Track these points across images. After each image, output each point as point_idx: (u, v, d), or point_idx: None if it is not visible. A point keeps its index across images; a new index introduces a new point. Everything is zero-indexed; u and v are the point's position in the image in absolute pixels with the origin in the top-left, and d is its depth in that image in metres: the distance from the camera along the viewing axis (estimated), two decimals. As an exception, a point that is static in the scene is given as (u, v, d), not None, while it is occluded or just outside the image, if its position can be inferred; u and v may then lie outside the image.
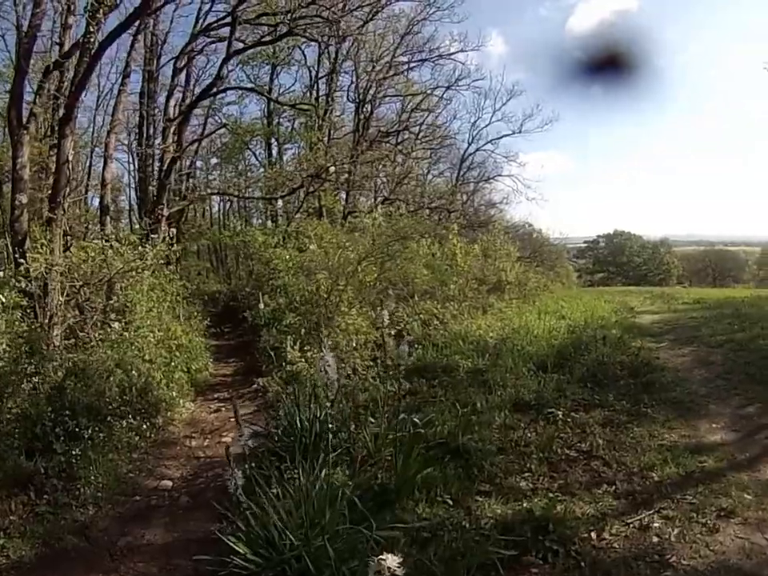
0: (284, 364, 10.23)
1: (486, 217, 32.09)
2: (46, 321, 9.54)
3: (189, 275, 22.57)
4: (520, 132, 30.72)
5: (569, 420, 7.72)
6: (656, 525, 5.20)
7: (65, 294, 10.26)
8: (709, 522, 5.17)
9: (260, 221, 28.78)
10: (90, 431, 7.67)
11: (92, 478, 6.98)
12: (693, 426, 7.57)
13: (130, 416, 8.56)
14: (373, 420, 7.38)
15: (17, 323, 8.63)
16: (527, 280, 22.12)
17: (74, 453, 7.19)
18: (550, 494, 5.80)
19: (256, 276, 18.71)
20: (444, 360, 10.63)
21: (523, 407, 8.40)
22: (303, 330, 11.31)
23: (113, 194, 26.74)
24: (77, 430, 7.56)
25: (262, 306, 13.88)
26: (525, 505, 5.64)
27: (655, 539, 4.99)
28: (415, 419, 6.90)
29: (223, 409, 10.31)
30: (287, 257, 14.57)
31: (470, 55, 29.75)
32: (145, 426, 8.60)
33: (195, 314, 15.87)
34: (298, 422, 7.08)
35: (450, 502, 5.77)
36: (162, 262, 12.84)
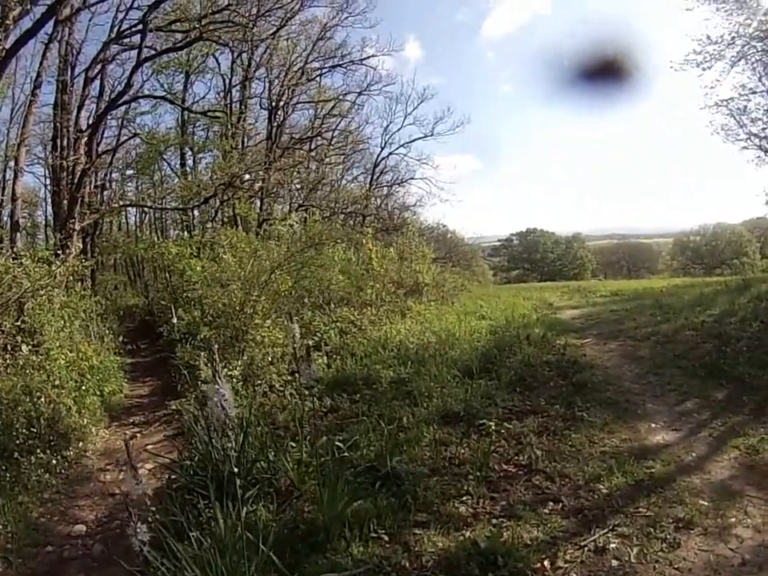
0: (199, 383, 9.37)
1: (401, 220, 31.67)
2: None
3: (105, 289, 21.93)
4: (432, 135, 30.43)
5: (502, 431, 7.19)
6: (612, 545, 4.74)
7: None
8: (668, 536, 4.77)
9: (176, 232, 27.79)
10: None
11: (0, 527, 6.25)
12: (632, 428, 7.24)
13: (39, 450, 7.79)
14: (294, 444, 6.84)
15: None
16: (444, 281, 21.79)
17: None
18: (494, 520, 5.32)
19: (172, 289, 18.03)
20: (365, 371, 10.08)
21: (452, 419, 7.83)
22: (217, 346, 10.50)
23: (28, 209, 25.70)
24: None
25: (175, 320, 13.05)
26: (468, 534, 5.12)
27: (614, 562, 4.54)
28: (338, 443, 6.46)
29: (138, 435, 9.62)
30: (200, 268, 14.04)
31: (382, 60, 29.60)
32: (55, 461, 7.83)
33: (109, 331, 14.95)
34: (212, 451, 6.44)
35: (386, 538, 5.17)
36: (74, 278, 12.04)
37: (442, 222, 38.37)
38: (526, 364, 9.84)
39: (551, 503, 5.55)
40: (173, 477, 6.65)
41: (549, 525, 5.12)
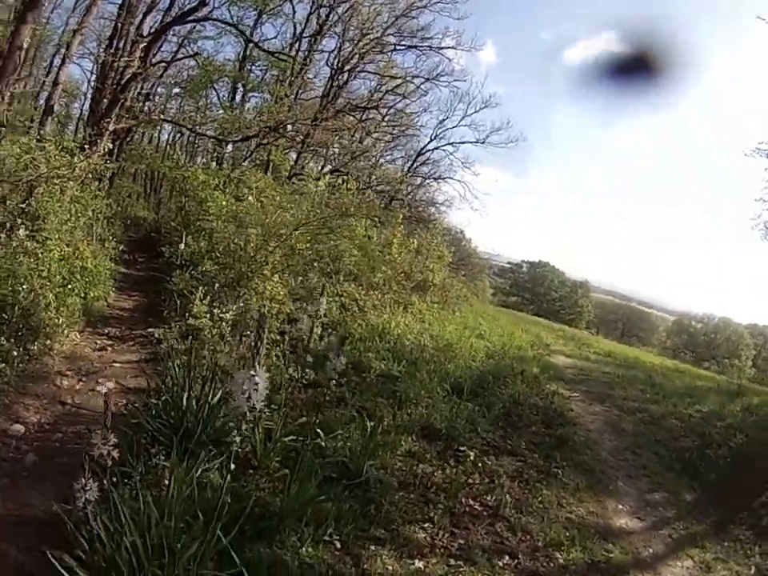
0: (187, 315, 8.98)
1: (426, 214, 31.05)
2: None
3: (119, 195, 21.35)
4: (483, 143, 29.30)
5: (479, 465, 6.84)
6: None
7: None
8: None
9: (205, 161, 27.08)
10: None
11: None
12: (601, 503, 6.98)
13: (3, 337, 7.23)
14: (268, 412, 6.18)
15: None
16: (451, 287, 21.33)
17: None
18: (449, 560, 5.00)
19: (185, 213, 17.41)
20: (357, 355, 9.69)
21: (433, 435, 7.59)
22: (217, 284, 10.15)
23: (66, 99, 25.09)
24: None
25: (182, 246, 12.82)
26: (420, 566, 4.81)
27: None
28: (318, 429, 5.98)
29: (110, 348, 9.08)
30: (223, 202, 13.38)
31: (459, 55, 28.64)
32: (16, 352, 7.25)
33: (111, 237, 14.40)
34: (185, 400, 5.86)
35: (338, 545, 4.78)
36: (92, 175, 11.79)
37: (461, 228, 38.00)
38: (515, 400, 9.65)
39: (507, 557, 5.32)
40: (132, 412, 6.05)
41: (500, 581, 4.91)
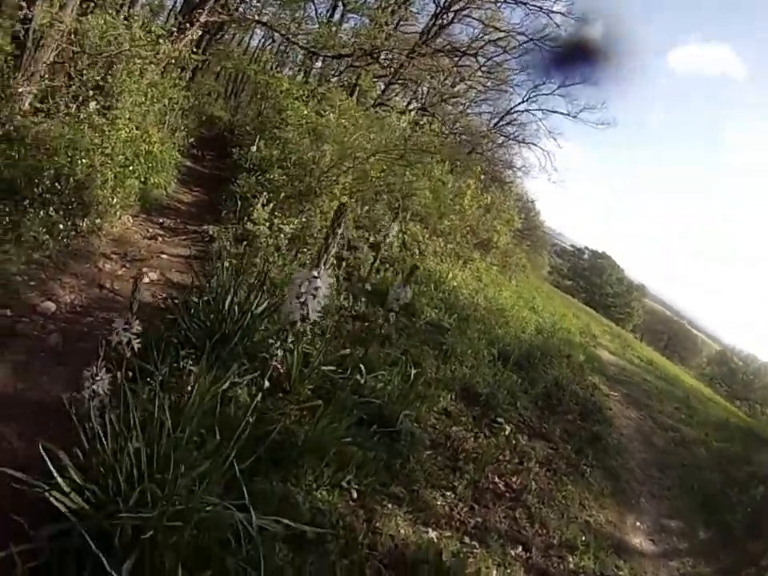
0: (246, 219, 8.65)
1: (502, 175, 30.17)
2: (25, 76, 7.74)
3: (199, 90, 20.80)
4: (575, 117, 28.11)
5: (512, 442, 6.56)
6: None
7: (58, 56, 8.52)
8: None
9: (292, 73, 26.40)
10: None
11: None
12: (621, 515, 6.62)
13: (52, 208, 6.81)
14: (309, 335, 5.79)
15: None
16: (513, 253, 20.95)
17: None
18: (464, 535, 4.70)
19: (262, 119, 16.94)
20: (410, 297, 8.94)
21: (472, 398, 7.18)
22: (283, 194, 9.72)
23: None
24: None
25: (254, 149, 12.47)
26: (433, 536, 4.45)
27: None
28: (361, 365, 5.53)
29: (160, 239, 8.64)
30: (304, 113, 12.90)
31: (566, 22, 27.42)
32: (62, 226, 6.83)
33: (183, 128, 14.04)
34: (226, 304, 5.37)
35: (355, 495, 4.37)
36: (175, 64, 11.82)
37: (533, 198, 37.06)
38: (557, 383, 9.28)
39: (521, 548, 5.04)
40: (170, 308, 5.57)
41: (509, 571, 4.64)
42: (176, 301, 5.95)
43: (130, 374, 3.37)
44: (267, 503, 3.70)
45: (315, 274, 2.98)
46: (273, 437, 3.98)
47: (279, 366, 3.07)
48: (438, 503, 4.90)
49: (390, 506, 4.51)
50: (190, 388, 4.00)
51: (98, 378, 3.01)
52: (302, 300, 2.99)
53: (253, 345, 5.20)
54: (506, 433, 6.49)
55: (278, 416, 4.71)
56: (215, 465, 3.36)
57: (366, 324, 7.61)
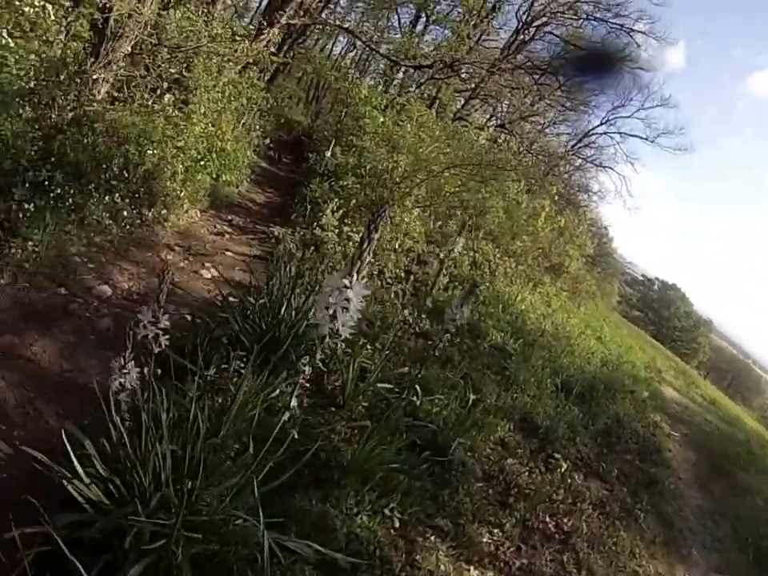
0: (315, 224, 8.47)
1: (576, 198, 29.60)
2: (101, 64, 7.54)
3: (279, 94, 21.07)
4: (652, 141, 27.89)
5: (568, 480, 6.09)
6: None
7: (136, 48, 8.37)
8: None
9: (372, 82, 26.37)
10: (60, 190, 5.83)
11: (29, 243, 5.22)
12: (671, 566, 6.06)
13: (118, 195, 6.69)
14: (369, 348, 5.55)
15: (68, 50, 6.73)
16: (584, 279, 20.50)
17: (29, 207, 5.38)
18: None
19: (341, 126, 16.73)
20: (476, 318, 8.85)
21: (530, 429, 6.78)
22: (354, 201, 9.59)
23: None
24: (46, 184, 5.69)
25: (329, 154, 12.27)
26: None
27: None
28: (417, 386, 5.20)
29: (227, 236, 8.53)
30: (381, 121, 12.73)
31: (647, 42, 26.87)
32: (126, 214, 6.73)
33: (260, 129, 13.93)
34: (283, 309, 5.08)
35: (397, 524, 4.05)
36: (255, 64, 11.94)
37: (606, 224, 36.31)
38: (618, 420, 8.79)
39: None
40: (225, 306, 5.29)
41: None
42: (233, 299, 5.69)
43: (159, 371, 3.21)
44: (302, 523, 3.45)
45: (346, 283, 2.56)
46: (316, 453, 3.75)
47: (306, 384, 2.70)
48: (484, 540, 4.53)
49: (432, 538, 4.18)
50: (234, 391, 3.72)
51: (125, 371, 2.80)
52: (331, 312, 2.60)
53: (306, 352, 4.91)
54: (562, 470, 6.10)
55: (327, 431, 4.42)
56: (250, 476, 3.05)
57: (429, 342, 7.25)
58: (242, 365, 4.28)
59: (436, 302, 8.15)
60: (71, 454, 2.82)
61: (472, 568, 4.15)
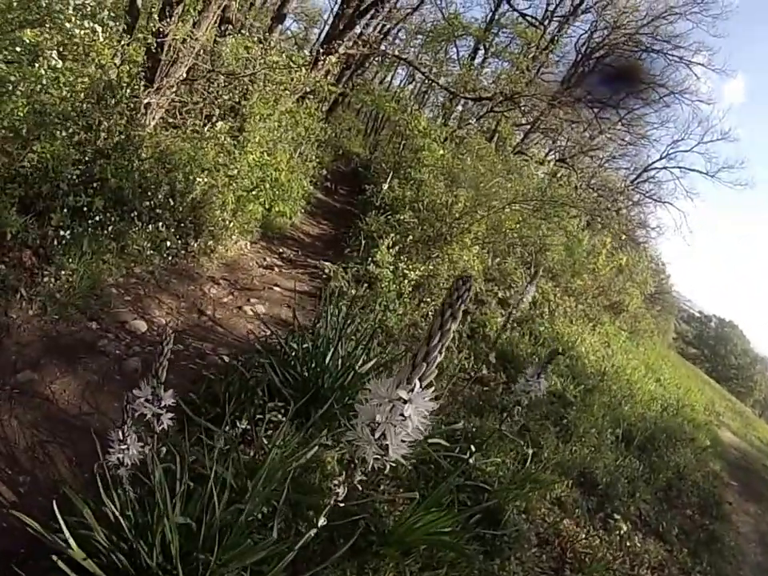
0: (369, 260, 8.04)
1: (634, 234, 28.83)
2: (156, 89, 7.33)
3: (338, 126, 21.12)
4: (713, 176, 26.66)
5: (627, 545, 5.52)
6: None
7: (191, 73, 8.24)
8: None
9: (432, 115, 26.16)
10: (100, 217, 5.54)
11: (63, 272, 4.87)
12: None
13: (163, 223, 6.35)
14: None
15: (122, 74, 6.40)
16: (642, 318, 19.66)
17: (66, 234, 5.09)
18: None
19: (398, 158, 16.36)
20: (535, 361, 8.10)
21: (589, 485, 6.22)
22: (411, 237, 9.17)
23: (306, 23, 25.24)
24: (85, 210, 5.41)
25: (386, 186, 11.93)
26: None
27: None
28: (472, 447, 4.57)
29: (276, 269, 8.13)
30: (440, 154, 12.31)
31: (706, 74, 26.36)
32: (170, 243, 6.37)
33: (317, 160, 13.56)
34: (328, 357, 4.55)
35: None
36: (313, 94, 11.92)
37: (665, 261, 35.35)
38: (679, 472, 8.17)
39: None
40: (266, 350, 4.80)
41: None
42: (276, 341, 5.21)
43: (164, 449, 2.77)
44: None
45: (402, 395, 1.71)
46: (355, 522, 3.34)
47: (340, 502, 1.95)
48: None
49: None
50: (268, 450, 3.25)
51: (124, 447, 2.32)
52: (378, 431, 1.78)
53: (352, 407, 4.39)
54: (621, 533, 5.53)
55: (368, 499, 3.87)
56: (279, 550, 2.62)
57: (485, 389, 6.75)
58: (280, 417, 3.82)
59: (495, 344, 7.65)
60: (62, 524, 2.43)
61: None
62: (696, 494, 8.00)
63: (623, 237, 19.90)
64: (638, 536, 5.90)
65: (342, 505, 1.96)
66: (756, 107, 60.27)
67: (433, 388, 1.73)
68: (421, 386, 1.73)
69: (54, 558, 2.37)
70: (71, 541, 2.43)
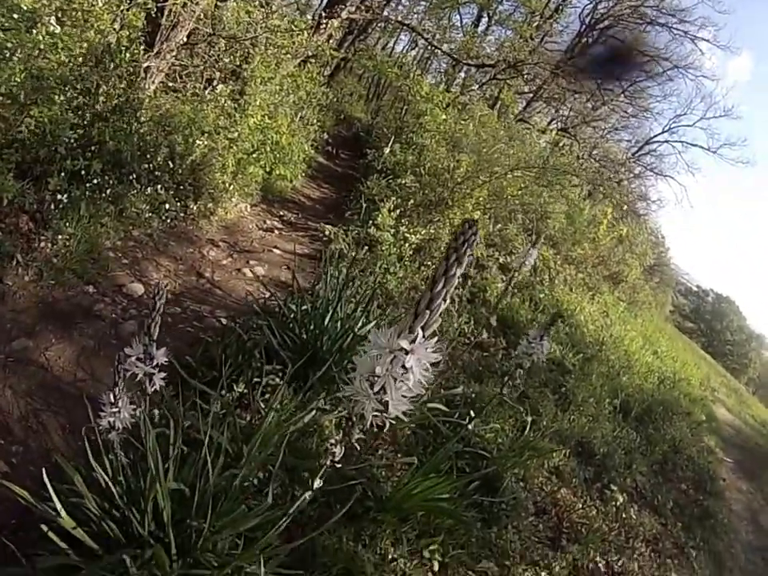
0: (370, 223, 7.98)
1: (635, 206, 28.68)
2: (155, 53, 7.23)
3: (340, 91, 20.96)
4: (714, 152, 26.50)
5: (623, 516, 5.50)
6: None
7: (190, 37, 8.07)
8: None
9: (434, 81, 25.82)
10: (98, 180, 5.42)
11: (60, 237, 4.78)
12: None
13: (161, 186, 6.23)
14: None
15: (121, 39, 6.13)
16: (641, 289, 19.73)
17: (63, 198, 4.98)
18: None
19: (400, 123, 16.17)
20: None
21: (586, 455, 6.15)
22: (412, 201, 9.10)
23: None
24: (83, 173, 5.29)
25: (387, 150, 11.86)
26: None
27: None
28: (471, 412, 4.44)
29: (276, 232, 8.03)
30: (442, 118, 12.19)
31: (711, 50, 26.11)
32: (169, 206, 6.25)
33: (318, 124, 13.43)
34: (327, 318, 4.45)
35: (436, 569, 3.45)
36: (315, 59, 11.91)
37: (663, 234, 35.20)
38: (675, 446, 8.21)
39: None
40: (265, 312, 4.69)
41: None
42: (273, 304, 5.12)
43: (156, 412, 2.72)
44: (327, 567, 3.00)
45: (404, 344, 1.56)
46: (352, 487, 3.26)
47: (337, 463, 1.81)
48: None
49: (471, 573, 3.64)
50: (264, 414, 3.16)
51: (115, 410, 2.22)
52: (379, 384, 1.63)
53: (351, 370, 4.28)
54: (617, 504, 5.53)
55: (367, 455, 3.85)
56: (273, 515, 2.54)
57: (485, 354, 6.67)
58: (278, 380, 3.72)
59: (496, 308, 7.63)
60: (51, 492, 2.34)
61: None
62: (691, 468, 8.01)
63: (625, 207, 19.80)
64: (633, 508, 5.89)
65: (338, 466, 1.85)
66: (759, 85, 59.83)
67: (436, 338, 1.58)
68: (424, 336, 1.58)
69: (43, 527, 2.30)
70: (61, 510, 2.35)
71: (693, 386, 13.82)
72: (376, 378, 1.62)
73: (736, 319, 59.36)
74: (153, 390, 2.24)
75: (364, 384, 1.65)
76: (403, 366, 1.58)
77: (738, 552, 7.00)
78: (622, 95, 24.07)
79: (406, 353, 1.56)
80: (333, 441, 1.87)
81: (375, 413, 1.68)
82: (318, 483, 1.89)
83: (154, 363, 2.17)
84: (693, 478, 7.76)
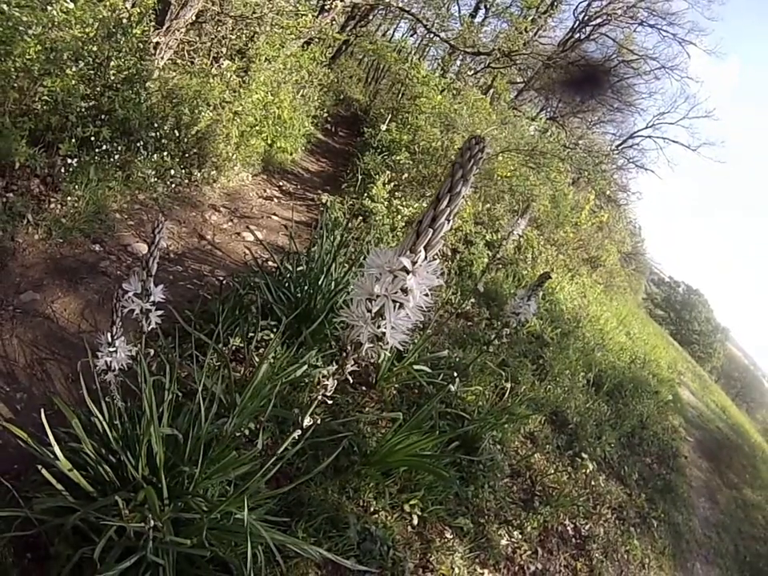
0: (365, 195, 7.93)
1: (616, 196, 28.81)
2: (165, 30, 7.25)
3: (341, 72, 20.83)
4: (694, 150, 27.10)
5: (592, 483, 5.71)
6: None
7: (199, 16, 8.08)
8: None
9: (431, 68, 25.70)
10: (107, 146, 5.39)
11: (69, 198, 4.77)
12: None
13: (168, 153, 6.19)
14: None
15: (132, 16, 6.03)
16: (617, 274, 19.85)
17: (73, 162, 4.95)
18: None
19: (396, 104, 16.26)
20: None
21: (560, 424, 6.30)
22: (406, 175, 9.12)
23: None
24: (92, 140, 5.25)
25: (384, 127, 11.63)
26: None
27: None
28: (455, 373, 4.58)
29: (275, 200, 8.03)
30: (438, 99, 12.08)
31: (698, 53, 26.19)
32: (174, 172, 6.24)
33: (319, 102, 13.46)
34: (321, 279, 4.46)
35: (415, 523, 3.55)
36: (319, 40, 11.96)
37: (640, 224, 35.36)
38: (642, 422, 8.42)
39: None
40: (261, 271, 4.66)
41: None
42: (269, 264, 5.11)
43: (151, 351, 2.49)
44: (313, 516, 3.03)
45: (405, 263, 1.40)
46: (338, 440, 3.32)
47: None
48: (502, 542, 4.05)
49: (449, 536, 3.71)
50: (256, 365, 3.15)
51: (112, 350, 2.19)
52: (377, 306, 1.47)
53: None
54: (588, 471, 5.64)
55: (352, 417, 3.88)
56: (262, 463, 2.45)
57: (469, 324, 6.74)
58: (271, 335, 3.71)
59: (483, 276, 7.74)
60: (51, 437, 2.34)
61: (486, 571, 3.74)
62: (656, 444, 8.18)
63: (607, 193, 19.85)
64: (601, 477, 6.03)
65: (329, 402, 1.78)
66: (747, 90, 60.00)
67: (438, 262, 1.44)
68: (426, 256, 1.43)
69: (41, 469, 2.29)
70: (59, 452, 2.36)
71: (661, 367, 13.94)
72: (374, 301, 1.46)
73: (704, 311, 59.64)
74: (150, 329, 2.19)
75: (361, 307, 1.50)
76: (403, 289, 1.44)
77: (696, 526, 7.13)
78: (609, 90, 24.10)
79: (407, 273, 1.42)
80: (325, 372, 1.72)
81: (370, 344, 1.55)
82: (308, 421, 1.81)
83: (152, 300, 2.11)
84: (657, 453, 7.90)
